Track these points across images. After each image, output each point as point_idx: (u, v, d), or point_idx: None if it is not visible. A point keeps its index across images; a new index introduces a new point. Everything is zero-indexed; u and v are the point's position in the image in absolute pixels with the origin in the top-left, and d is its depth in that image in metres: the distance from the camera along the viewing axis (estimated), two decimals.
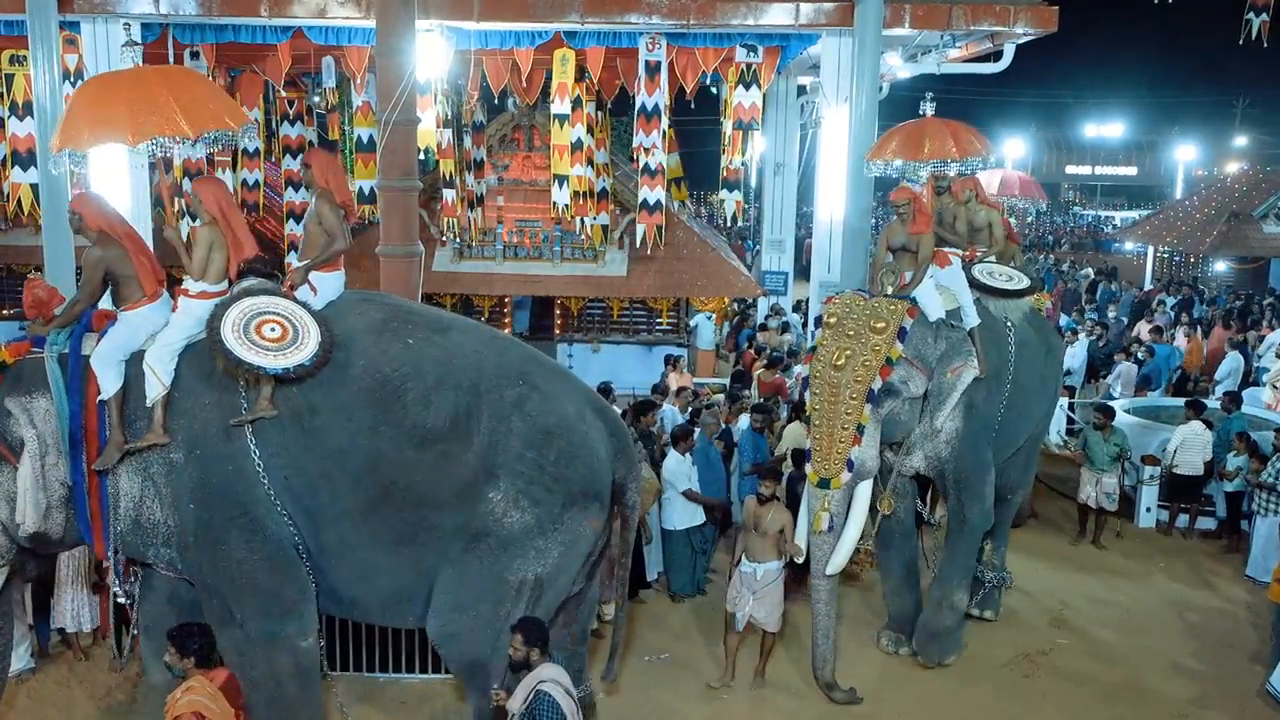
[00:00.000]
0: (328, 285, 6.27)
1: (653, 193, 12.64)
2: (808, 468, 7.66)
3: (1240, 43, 12.03)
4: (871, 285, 8.03)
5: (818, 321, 8.00)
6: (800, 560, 7.79)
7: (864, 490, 7.67)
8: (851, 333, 7.49)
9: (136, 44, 11.36)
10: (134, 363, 5.77)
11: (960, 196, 8.93)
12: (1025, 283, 8.66)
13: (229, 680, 5.36)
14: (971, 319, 7.88)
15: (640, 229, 13.06)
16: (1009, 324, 8.39)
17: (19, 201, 12.21)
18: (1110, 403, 13.04)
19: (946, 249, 8.23)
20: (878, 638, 8.59)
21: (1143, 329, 17.59)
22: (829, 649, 7.73)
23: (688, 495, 9.12)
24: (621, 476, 6.46)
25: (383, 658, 7.76)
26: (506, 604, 6.01)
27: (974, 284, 8.28)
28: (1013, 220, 12.10)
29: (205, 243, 5.97)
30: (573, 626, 6.80)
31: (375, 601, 6.25)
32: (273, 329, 5.77)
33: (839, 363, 7.39)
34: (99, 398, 5.71)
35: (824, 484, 7.49)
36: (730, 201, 12.93)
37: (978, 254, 8.81)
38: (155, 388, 5.70)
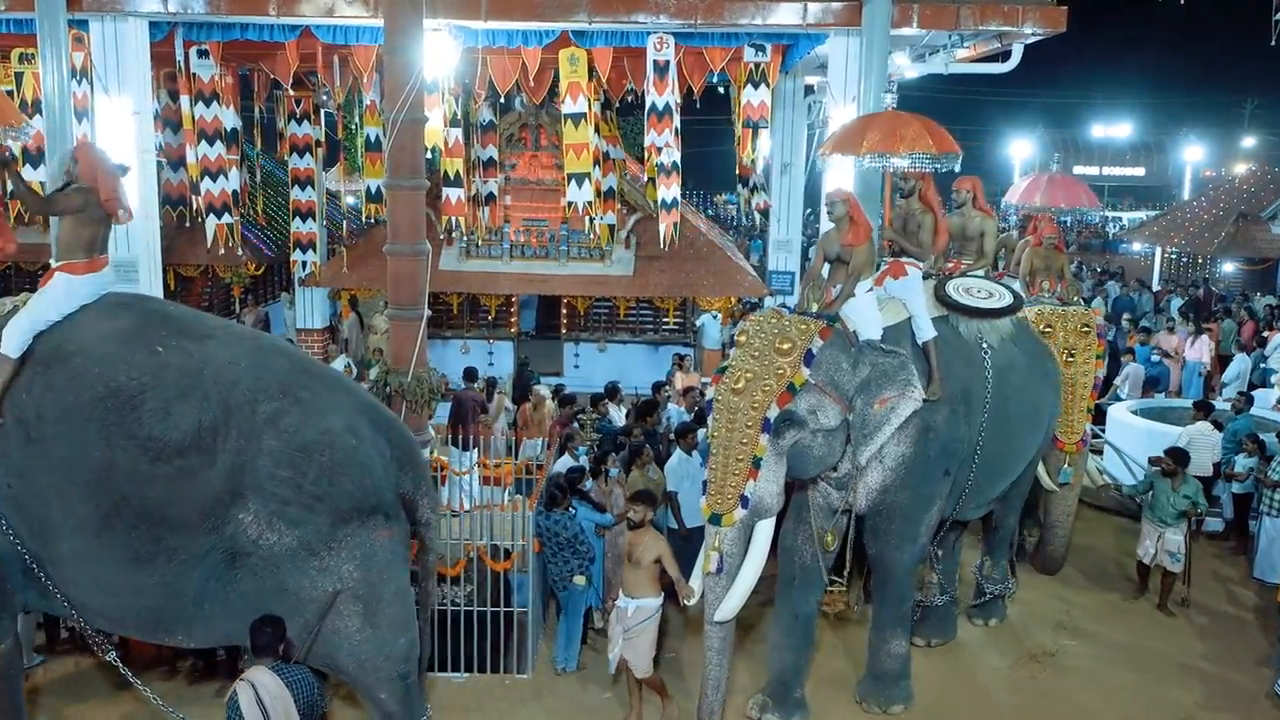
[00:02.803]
0: (77, 288, 5.89)
1: (669, 191, 12.66)
2: (701, 501, 6.94)
3: (1273, 43, 12.10)
4: (799, 300, 7.41)
5: (732, 340, 7.16)
6: (691, 603, 7.11)
7: (764, 530, 6.92)
8: (756, 353, 6.75)
9: None
10: None
11: (932, 201, 7.87)
12: (1006, 300, 7.88)
13: None
14: (925, 332, 7.23)
15: (660, 227, 13.03)
16: (984, 346, 7.65)
17: None
18: (1119, 401, 13.02)
19: (904, 259, 7.56)
20: (749, 704, 7.70)
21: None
22: (717, 701, 7.09)
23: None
24: (410, 491, 6.10)
25: None
26: (312, 615, 5.71)
27: (945, 301, 7.66)
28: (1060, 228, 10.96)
29: None
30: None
31: (133, 620, 5.98)
32: None
33: (738, 386, 6.65)
34: None
35: (715, 520, 6.77)
36: (758, 199, 12.96)
37: (962, 266, 8.20)
38: None
